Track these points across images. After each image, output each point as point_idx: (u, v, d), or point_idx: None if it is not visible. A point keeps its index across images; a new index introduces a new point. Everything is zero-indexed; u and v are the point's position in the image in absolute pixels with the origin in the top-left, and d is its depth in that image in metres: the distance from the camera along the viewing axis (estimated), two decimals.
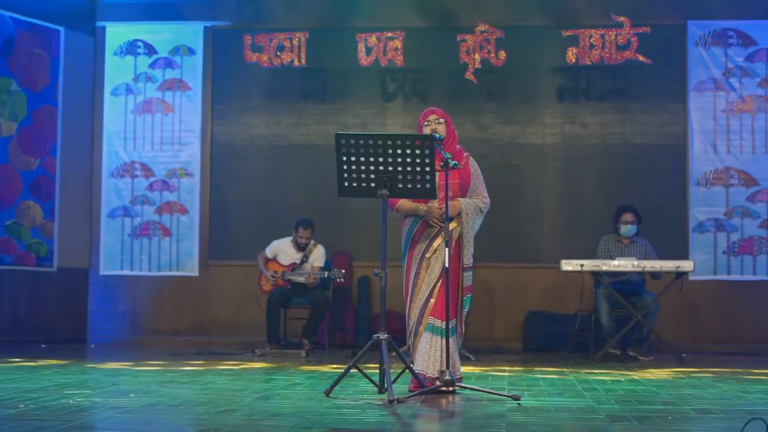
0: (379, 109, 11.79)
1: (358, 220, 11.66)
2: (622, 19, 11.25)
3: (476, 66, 11.22)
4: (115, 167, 12.02)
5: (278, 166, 11.92)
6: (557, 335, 11.08)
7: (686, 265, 9.70)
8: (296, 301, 10.60)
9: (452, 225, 6.54)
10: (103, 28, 12.16)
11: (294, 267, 10.58)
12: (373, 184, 6.26)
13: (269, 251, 10.73)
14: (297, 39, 11.63)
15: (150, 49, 12.11)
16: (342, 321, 11.56)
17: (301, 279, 10.47)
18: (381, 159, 6.21)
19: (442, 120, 6.63)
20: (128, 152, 11.98)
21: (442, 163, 6.30)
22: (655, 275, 10.05)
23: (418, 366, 6.44)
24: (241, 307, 11.68)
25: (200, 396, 6.13)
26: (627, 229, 10.26)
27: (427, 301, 6.52)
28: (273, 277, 10.56)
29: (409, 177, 6.25)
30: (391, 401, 5.78)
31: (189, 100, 12.04)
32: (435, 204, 6.49)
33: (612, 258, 10.05)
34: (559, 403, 5.90)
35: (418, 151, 6.19)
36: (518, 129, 11.67)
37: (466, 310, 6.62)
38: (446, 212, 6.26)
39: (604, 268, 9.78)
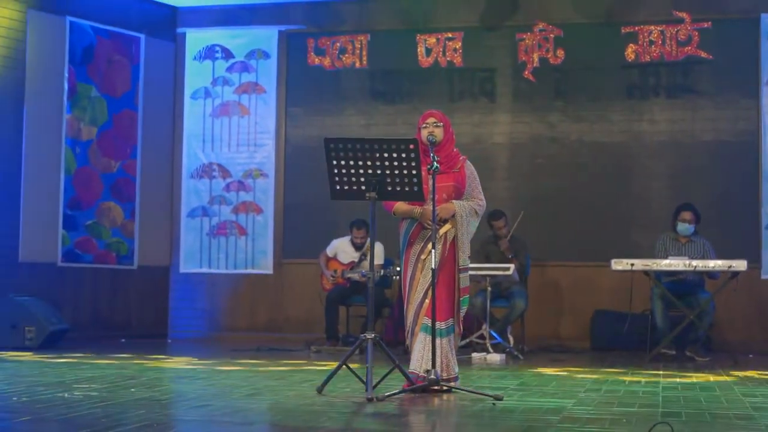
0: (447, 109, 11.84)
1: None
2: (682, 14, 11.06)
3: (534, 65, 11.20)
4: (195, 168, 12.45)
5: None
6: (624, 334, 10.97)
7: (739, 264, 9.49)
8: (355, 299, 10.82)
9: (447, 227, 6.65)
10: (183, 34, 12.60)
11: (353, 265, 10.79)
12: (363, 187, 6.42)
13: (330, 250, 10.98)
14: (359, 41, 11.83)
15: (227, 54, 12.50)
16: None
17: (356, 276, 10.67)
18: (369, 162, 6.36)
19: (440, 123, 6.73)
20: (206, 154, 12.39)
21: (428, 166, 6.41)
22: (711, 275, 9.90)
23: (413, 365, 6.57)
24: (314, 305, 11.91)
25: (193, 391, 6.40)
26: (685, 227, 10.12)
27: (422, 302, 6.64)
28: (333, 275, 10.80)
29: (398, 180, 6.38)
30: (369, 399, 5.93)
31: (264, 102, 12.37)
32: (429, 207, 6.59)
33: (668, 257, 9.92)
34: (535, 403, 5.95)
35: (404, 155, 6.32)
36: (585, 127, 11.60)
37: (463, 310, 6.70)
38: (433, 215, 6.38)
39: (655, 267, 9.67)
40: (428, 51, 11.62)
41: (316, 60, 11.97)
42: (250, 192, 12.36)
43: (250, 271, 12.31)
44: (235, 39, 12.49)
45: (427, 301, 6.61)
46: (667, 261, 9.67)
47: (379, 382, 6.37)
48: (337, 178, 6.45)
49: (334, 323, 10.70)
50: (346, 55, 11.91)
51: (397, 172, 6.34)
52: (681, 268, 9.61)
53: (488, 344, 9.95)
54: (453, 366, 6.62)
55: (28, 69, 11.13)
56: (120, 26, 11.99)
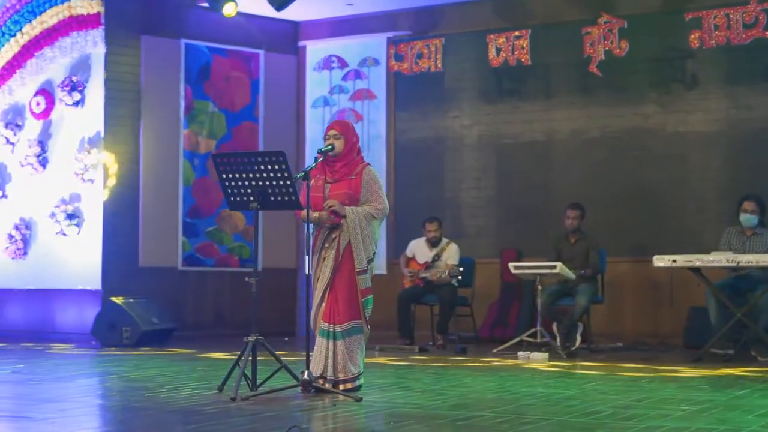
0: (544, 106, 11.84)
1: (526, 217, 11.83)
2: None
3: (600, 58, 10.93)
4: None
5: (455, 166, 12.35)
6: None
7: None
8: (426, 299, 11.06)
9: (336, 232, 6.88)
10: (304, 47, 13.28)
11: (427, 265, 11.04)
12: (252, 198, 6.81)
13: (408, 251, 11.28)
14: (433, 45, 12.00)
15: (342, 63, 13.05)
16: (506, 316, 11.77)
17: (427, 275, 10.92)
18: (251, 174, 6.75)
19: (340, 135, 6.98)
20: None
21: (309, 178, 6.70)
22: None
23: (310, 367, 6.86)
24: None
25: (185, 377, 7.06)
26: (746, 218, 9.60)
27: (320, 305, 6.93)
28: (410, 274, 11.09)
29: (278, 190, 6.73)
30: (233, 399, 6.34)
31: (375, 108, 12.83)
32: (324, 213, 6.87)
33: (732, 251, 9.47)
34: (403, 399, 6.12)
35: (276, 166, 6.66)
36: (680, 117, 11.20)
37: (368, 310, 6.92)
38: (307, 220, 6.67)
39: (698, 263, 9.27)
40: (498, 50, 11.60)
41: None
42: None
43: None
44: (349, 48, 13.01)
45: (323, 304, 6.90)
46: (710, 257, 9.24)
47: (263, 382, 6.73)
48: (230, 191, 6.87)
49: (407, 321, 10.98)
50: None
51: (275, 183, 6.68)
52: (724, 263, 9.15)
53: (538, 341, 9.95)
54: (351, 367, 6.81)
55: (144, 89, 12.18)
56: (238, 44, 12.82)
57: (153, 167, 12.13)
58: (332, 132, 6.98)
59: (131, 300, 11.35)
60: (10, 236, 12.23)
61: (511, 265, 10.38)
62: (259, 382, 6.70)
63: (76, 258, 11.90)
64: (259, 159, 6.67)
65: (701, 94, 11.10)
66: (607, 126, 11.55)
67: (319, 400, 6.39)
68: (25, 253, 12.24)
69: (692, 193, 11.15)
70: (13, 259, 12.29)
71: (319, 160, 6.88)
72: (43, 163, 12.18)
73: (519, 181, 12.04)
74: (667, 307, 11.14)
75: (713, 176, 11.07)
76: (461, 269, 10.65)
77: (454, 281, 10.81)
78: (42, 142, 12.20)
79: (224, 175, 6.83)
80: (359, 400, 6.32)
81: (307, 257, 6.64)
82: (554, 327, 10.45)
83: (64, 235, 11.90)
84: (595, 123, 11.62)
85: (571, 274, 10.14)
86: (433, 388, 7.13)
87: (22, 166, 12.27)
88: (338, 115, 13.03)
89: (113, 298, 11.26)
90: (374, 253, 6.96)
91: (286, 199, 6.72)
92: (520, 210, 11.98)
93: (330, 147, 6.91)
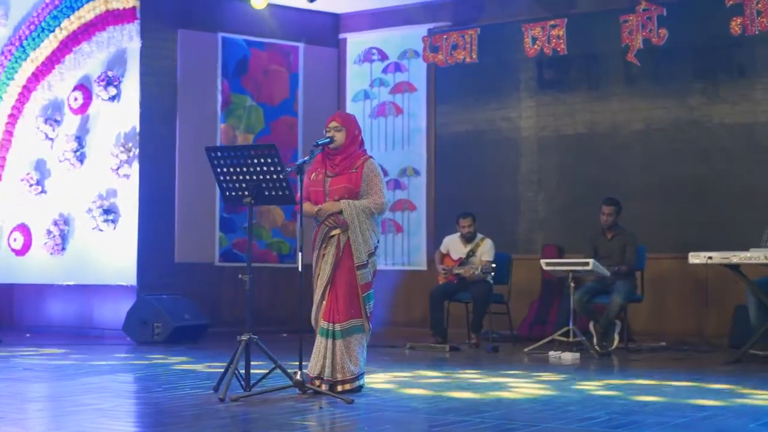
0: (585, 98, 11.50)
1: (568, 212, 11.52)
2: None
3: (638, 47, 10.51)
4: None
5: (496, 160, 12.05)
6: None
7: None
8: (460, 296, 10.78)
9: (336, 231, 6.67)
10: (345, 40, 13.06)
11: (461, 261, 10.76)
12: (246, 193, 6.63)
13: (443, 246, 11.03)
14: (468, 36, 11.67)
15: (382, 55, 12.81)
16: (546, 315, 11.43)
17: (460, 271, 10.64)
18: (245, 168, 6.57)
19: (341, 127, 6.76)
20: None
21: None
22: None
23: (308, 367, 6.66)
24: None
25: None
26: None
27: (320, 303, 6.73)
28: (444, 272, 10.82)
29: (271, 185, 6.55)
30: (221, 399, 6.17)
31: (416, 100, 12.57)
32: (323, 205, 6.69)
33: None
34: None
35: (269, 160, 6.47)
36: (726, 108, 10.77)
37: (370, 306, 6.71)
38: (300, 214, 6.51)
39: (734, 260, 8.85)
40: (534, 40, 11.24)
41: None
42: (405, 190, 12.60)
43: (406, 267, 12.55)
44: (390, 40, 12.77)
45: (324, 302, 6.70)
46: (747, 254, 8.81)
47: (257, 382, 6.54)
48: (224, 185, 6.69)
49: (439, 319, 10.71)
50: (457, 51, 11.78)
51: (268, 177, 6.51)
52: (762, 260, 8.72)
53: (570, 340, 9.64)
54: (350, 367, 6.59)
55: (180, 83, 12.06)
56: (276, 38, 12.66)
57: (189, 162, 11.99)
58: (333, 124, 6.75)
59: (163, 296, 11.27)
60: (49, 232, 12.22)
61: (543, 261, 10.06)
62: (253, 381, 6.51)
63: (112, 254, 11.84)
64: (252, 152, 6.51)
65: (747, 84, 10.66)
66: (651, 118, 11.15)
67: (311, 401, 6.18)
68: (63, 249, 12.22)
69: (738, 188, 10.70)
70: (51, 254, 12.28)
71: (315, 153, 6.68)
72: (81, 158, 12.14)
73: (561, 174, 11.69)
74: (712, 306, 10.69)
75: (762, 170, 10.60)
76: (494, 265, 10.37)
77: (488, 278, 10.54)
78: (79, 138, 12.16)
79: (218, 170, 6.66)
80: (350, 402, 6.11)
81: (300, 253, 6.43)
82: (591, 326, 10.11)
83: (100, 230, 11.85)
84: (638, 115, 11.22)
85: (604, 271, 9.80)
86: (435, 390, 6.86)
87: (60, 161, 12.25)
88: (379, 108, 12.79)
89: (145, 294, 11.19)
90: (376, 247, 6.73)
91: (280, 193, 6.55)
92: (562, 205, 11.66)
93: (328, 140, 6.69)
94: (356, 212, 6.59)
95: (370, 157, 6.83)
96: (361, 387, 6.62)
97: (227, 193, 6.71)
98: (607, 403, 6.11)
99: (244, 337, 6.49)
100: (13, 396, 6.54)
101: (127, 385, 7.32)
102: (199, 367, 8.34)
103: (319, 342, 6.64)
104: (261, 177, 6.48)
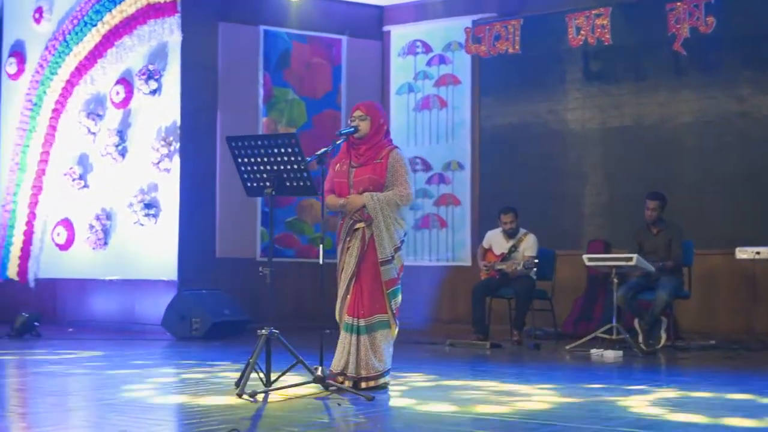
0: (633, 89, 11.21)
1: (615, 206, 11.24)
2: None
3: (685, 35, 10.19)
4: None
5: (541, 153, 11.80)
6: None
7: None
8: (502, 292, 10.54)
9: (361, 224, 6.51)
10: (389, 32, 12.88)
11: (503, 257, 10.53)
12: (269, 183, 6.48)
13: (485, 242, 10.80)
14: (511, 27, 11.42)
15: (427, 48, 12.61)
16: (591, 311, 11.16)
17: (502, 266, 10.41)
18: (266, 159, 6.41)
19: (366, 116, 6.59)
20: (410, 148, 12.56)
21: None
22: None
23: (332, 363, 6.50)
24: None
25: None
26: None
27: (345, 297, 6.57)
28: (486, 266, 10.60)
29: (293, 175, 6.39)
30: (239, 395, 6.02)
31: (460, 93, 12.36)
32: (349, 198, 6.51)
33: None
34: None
35: (290, 150, 6.31)
36: None
37: (396, 302, 6.51)
38: (322, 208, 6.33)
39: None
40: (578, 30, 10.96)
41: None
42: (449, 184, 12.39)
43: (450, 263, 12.35)
44: (434, 32, 12.57)
45: (348, 297, 6.54)
46: None
47: (278, 378, 6.37)
48: (246, 176, 6.55)
49: (481, 316, 10.47)
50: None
51: (289, 167, 6.35)
52: None
53: (614, 338, 9.37)
54: (375, 363, 6.41)
55: (221, 76, 11.97)
56: (319, 30, 12.51)
57: (230, 157, 11.81)
58: (357, 113, 6.58)
59: (203, 291, 11.17)
60: (91, 226, 12.20)
61: (585, 257, 9.79)
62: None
63: (153, 248, 11.77)
64: (272, 142, 6.34)
65: None
66: (699, 110, 10.83)
67: (330, 397, 6.01)
68: (105, 243, 12.18)
69: None
70: (93, 249, 12.25)
71: (337, 143, 6.51)
72: (122, 152, 12.10)
73: (607, 168, 11.40)
74: (761, 302, 10.36)
75: None
76: (536, 261, 10.11)
77: (531, 273, 10.29)
78: (121, 132, 12.12)
79: (239, 159, 6.50)
80: (371, 399, 5.92)
81: (320, 246, 6.26)
82: (636, 323, 9.82)
83: (141, 225, 11.79)
84: (686, 107, 10.91)
85: (649, 266, 9.51)
86: (455, 390, 6.61)
87: (102, 155, 12.22)
88: (423, 101, 12.60)
89: (184, 290, 11.11)
90: (402, 241, 6.54)
91: (301, 184, 6.38)
92: (608, 199, 11.39)
93: (352, 129, 6.52)
94: (380, 206, 6.40)
95: (396, 147, 6.64)
96: (386, 384, 6.43)
97: (249, 184, 6.55)
98: (611, 408, 5.78)
99: (264, 331, 6.31)
100: (49, 392, 6.47)
101: (152, 378, 7.17)
102: (226, 363, 8.19)
103: (344, 337, 6.47)
104: (282, 167, 6.32)
